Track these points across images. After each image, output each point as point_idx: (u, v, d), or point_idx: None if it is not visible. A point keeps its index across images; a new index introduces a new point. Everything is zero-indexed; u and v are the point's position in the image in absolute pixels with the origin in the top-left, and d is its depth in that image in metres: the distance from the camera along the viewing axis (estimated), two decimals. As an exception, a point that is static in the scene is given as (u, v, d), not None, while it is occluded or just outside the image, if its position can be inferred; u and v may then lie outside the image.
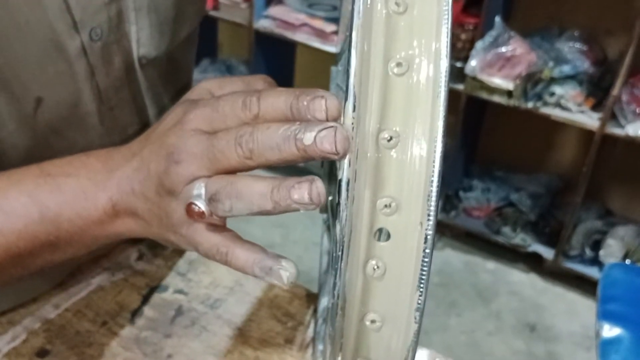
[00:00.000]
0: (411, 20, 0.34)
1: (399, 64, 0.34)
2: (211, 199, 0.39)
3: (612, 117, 1.92)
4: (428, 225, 0.34)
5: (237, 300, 0.65)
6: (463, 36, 2.09)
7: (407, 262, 0.35)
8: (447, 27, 0.34)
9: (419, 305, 0.36)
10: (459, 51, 2.10)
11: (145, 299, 0.64)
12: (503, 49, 1.98)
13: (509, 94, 2.00)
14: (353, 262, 0.36)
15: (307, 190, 0.36)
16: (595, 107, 1.98)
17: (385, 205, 0.34)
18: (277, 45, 2.41)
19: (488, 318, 2.10)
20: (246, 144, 0.38)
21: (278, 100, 0.39)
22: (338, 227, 0.35)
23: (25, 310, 0.62)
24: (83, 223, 0.45)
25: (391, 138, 0.34)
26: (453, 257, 2.35)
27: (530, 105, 2.00)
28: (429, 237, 0.34)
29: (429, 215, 0.34)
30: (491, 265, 2.32)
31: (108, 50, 0.52)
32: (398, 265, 0.36)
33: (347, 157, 0.34)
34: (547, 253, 2.22)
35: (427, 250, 0.34)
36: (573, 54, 2.00)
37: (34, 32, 0.47)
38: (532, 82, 1.99)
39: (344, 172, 0.34)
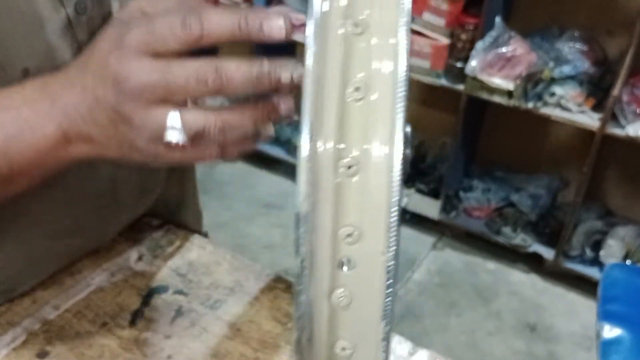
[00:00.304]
0: (369, 41, 0.33)
1: (357, 89, 0.33)
2: (196, 136, 0.40)
3: (613, 117, 1.92)
4: (389, 256, 0.33)
5: (237, 301, 0.65)
6: (463, 36, 2.09)
7: (372, 291, 0.35)
8: (406, 47, 0.33)
9: (385, 336, 0.36)
10: (460, 51, 2.10)
11: (145, 300, 0.64)
12: (503, 49, 1.98)
13: (509, 94, 2.00)
14: (318, 292, 0.35)
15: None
16: (595, 108, 1.98)
17: (348, 235, 0.34)
18: (277, 45, 2.40)
19: (488, 318, 2.10)
20: (213, 82, 0.39)
21: (223, 18, 0.39)
22: (298, 260, 0.34)
23: (25, 312, 0.61)
24: (34, 154, 0.44)
25: (351, 166, 0.33)
26: (453, 257, 2.35)
27: (530, 105, 2.00)
28: (390, 268, 0.34)
29: (389, 246, 0.33)
30: (491, 265, 2.32)
31: (93, 24, 0.52)
32: (363, 295, 0.35)
33: (303, 189, 0.33)
34: (548, 253, 2.22)
35: (389, 282, 0.34)
36: (573, 54, 2.00)
37: (20, 5, 0.47)
38: (533, 83, 1.99)
39: (301, 204, 0.33)
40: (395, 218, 0.33)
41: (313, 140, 0.33)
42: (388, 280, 0.34)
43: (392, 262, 0.33)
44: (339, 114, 0.33)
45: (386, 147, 0.33)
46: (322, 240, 0.34)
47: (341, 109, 0.33)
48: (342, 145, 0.33)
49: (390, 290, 0.34)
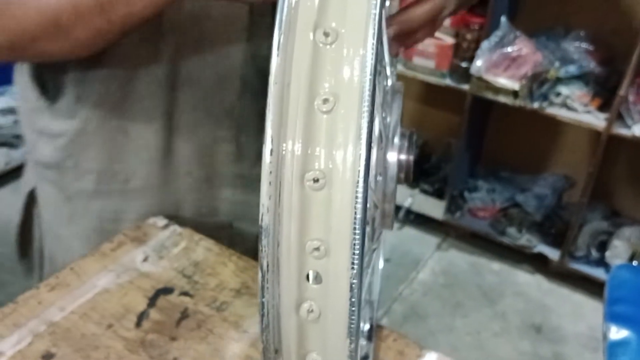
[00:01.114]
0: (339, 51, 0.32)
1: (325, 101, 0.32)
2: None
3: (619, 117, 1.92)
4: (353, 273, 0.33)
5: (244, 302, 0.65)
6: (468, 36, 2.08)
7: (339, 307, 0.34)
8: (373, 58, 0.32)
9: (350, 353, 0.35)
10: (465, 51, 2.10)
11: (151, 302, 0.64)
12: (509, 49, 1.97)
13: (515, 94, 1.99)
14: (285, 304, 0.35)
15: None
16: (601, 108, 1.97)
17: (315, 248, 0.33)
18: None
19: (494, 319, 2.09)
20: None
21: None
22: (260, 273, 0.34)
23: (31, 313, 0.61)
24: None
25: (317, 179, 0.32)
26: (458, 258, 2.34)
27: (536, 105, 1.99)
28: (354, 285, 0.33)
29: (353, 263, 0.33)
30: (496, 266, 2.32)
31: None
32: (331, 309, 0.34)
33: (265, 202, 0.33)
34: (553, 254, 2.21)
35: (353, 299, 0.33)
36: (579, 54, 2.00)
37: None
38: (538, 82, 1.98)
39: (262, 217, 0.33)
40: (360, 236, 0.32)
41: (277, 152, 0.32)
42: (352, 298, 0.33)
43: (356, 280, 0.33)
44: (306, 126, 0.32)
45: (352, 164, 0.32)
46: (288, 253, 0.33)
47: (309, 120, 0.32)
48: (308, 159, 0.32)
49: (354, 308, 0.34)
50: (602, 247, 2.15)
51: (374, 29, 0.32)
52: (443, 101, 2.44)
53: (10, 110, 2.51)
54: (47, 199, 0.78)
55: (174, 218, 0.75)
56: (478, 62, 2.00)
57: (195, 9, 0.66)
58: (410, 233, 2.44)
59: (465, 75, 2.09)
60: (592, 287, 2.14)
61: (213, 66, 0.69)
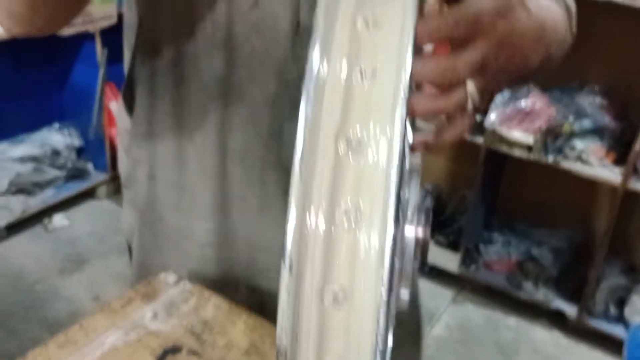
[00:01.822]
0: (361, 164, 0.32)
1: (346, 213, 0.31)
2: None
3: (634, 171, 1.90)
4: None
5: (252, 363, 0.64)
6: (482, 90, 2.09)
7: None
8: (398, 172, 0.31)
9: None
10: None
11: (159, 361, 0.63)
12: (522, 103, 1.98)
13: (529, 147, 1.99)
14: None
15: None
16: (616, 162, 1.96)
17: None
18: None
19: (510, 376, 2.04)
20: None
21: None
22: None
23: (37, 371, 0.61)
24: None
25: (337, 297, 0.31)
26: (473, 312, 2.30)
27: (550, 159, 1.99)
28: None
29: None
30: (513, 321, 2.27)
31: None
32: None
33: (285, 323, 0.32)
34: (570, 310, 2.17)
35: None
36: (593, 108, 2.00)
37: None
38: (552, 136, 1.98)
39: (279, 338, 0.32)
40: (382, 355, 0.31)
41: (295, 275, 0.31)
42: None
43: None
44: (324, 245, 0.31)
45: (373, 276, 0.31)
46: None
47: (328, 242, 0.31)
48: (328, 277, 0.31)
49: None
50: (621, 303, 2.11)
51: (401, 144, 0.31)
52: (457, 154, 2.44)
53: (29, 158, 2.55)
54: (127, 220, 0.83)
55: (229, 250, 0.77)
56: (492, 116, 2.01)
57: (246, 25, 0.67)
58: (425, 286, 2.41)
59: (479, 128, 2.10)
60: (611, 344, 2.08)
61: (263, 84, 0.70)
